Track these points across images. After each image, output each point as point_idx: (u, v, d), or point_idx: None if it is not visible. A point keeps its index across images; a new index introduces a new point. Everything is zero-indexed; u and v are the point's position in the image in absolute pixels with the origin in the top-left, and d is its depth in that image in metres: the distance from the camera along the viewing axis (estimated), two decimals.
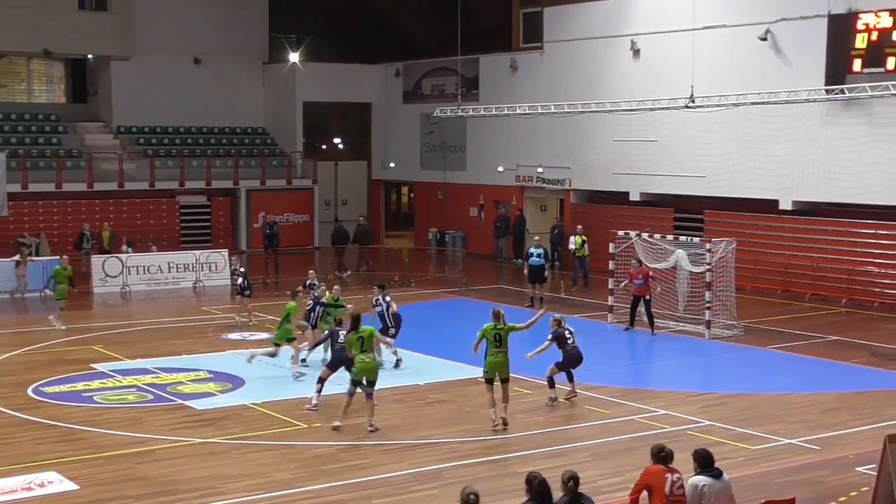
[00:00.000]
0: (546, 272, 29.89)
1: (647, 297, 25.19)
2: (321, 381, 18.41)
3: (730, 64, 31.79)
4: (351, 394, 17.20)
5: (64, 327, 26.04)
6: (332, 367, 18.42)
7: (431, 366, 21.86)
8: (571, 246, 31.94)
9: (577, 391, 19.01)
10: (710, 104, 29.17)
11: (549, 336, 18.91)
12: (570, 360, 18.88)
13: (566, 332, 18.94)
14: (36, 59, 44.04)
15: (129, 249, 34.07)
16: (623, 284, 26.07)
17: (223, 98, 44.89)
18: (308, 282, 23.94)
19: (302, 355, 21.46)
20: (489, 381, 17.38)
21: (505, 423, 17.15)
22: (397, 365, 21.60)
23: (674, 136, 33.67)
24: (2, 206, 35.98)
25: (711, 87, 29.75)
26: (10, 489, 14.26)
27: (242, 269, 27.51)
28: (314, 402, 18.30)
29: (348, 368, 17.54)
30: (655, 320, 25.65)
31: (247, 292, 26.77)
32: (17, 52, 42.98)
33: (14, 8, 40.42)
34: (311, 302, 22.67)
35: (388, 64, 45.97)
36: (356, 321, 17.30)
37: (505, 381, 17.37)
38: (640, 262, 25.61)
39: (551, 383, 18.85)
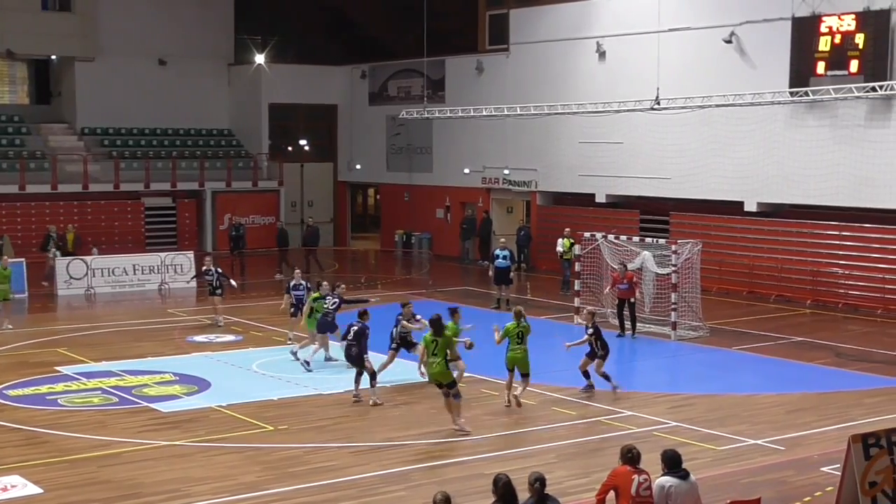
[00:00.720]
0: (511, 273, 29.89)
1: (633, 300, 25.14)
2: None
3: (695, 66, 31.98)
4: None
5: (10, 327, 25.91)
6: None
7: (398, 368, 21.78)
8: (559, 249, 31.65)
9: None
10: (675, 106, 29.33)
11: (589, 331, 19.63)
12: (605, 354, 19.64)
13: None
14: None
15: (95, 250, 33.90)
16: (607, 290, 26.11)
17: (188, 99, 44.70)
18: (293, 282, 23.85)
19: (305, 354, 21.75)
20: (510, 371, 18.64)
21: (518, 404, 18.29)
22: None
23: (639, 138, 33.82)
24: None
25: (677, 90, 29.91)
26: None
27: (219, 270, 27.17)
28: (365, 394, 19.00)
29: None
30: (626, 322, 25.78)
31: (218, 291, 26.64)
32: None
33: None
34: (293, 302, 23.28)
35: (353, 65, 45.90)
36: (435, 324, 17.76)
37: (525, 375, 18.52)
38: (624, 266, 25.52)
39: (586, 375, 19.61)
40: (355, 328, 19.06)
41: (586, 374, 19.69)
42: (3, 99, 44.87)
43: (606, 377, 19.69)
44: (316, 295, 22.35)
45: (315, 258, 37.19)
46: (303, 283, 23.79)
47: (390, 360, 20.61)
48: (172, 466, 15.37)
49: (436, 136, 41.95)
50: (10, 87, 45.59)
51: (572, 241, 30.64)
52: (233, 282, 28.24)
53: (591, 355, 19.63)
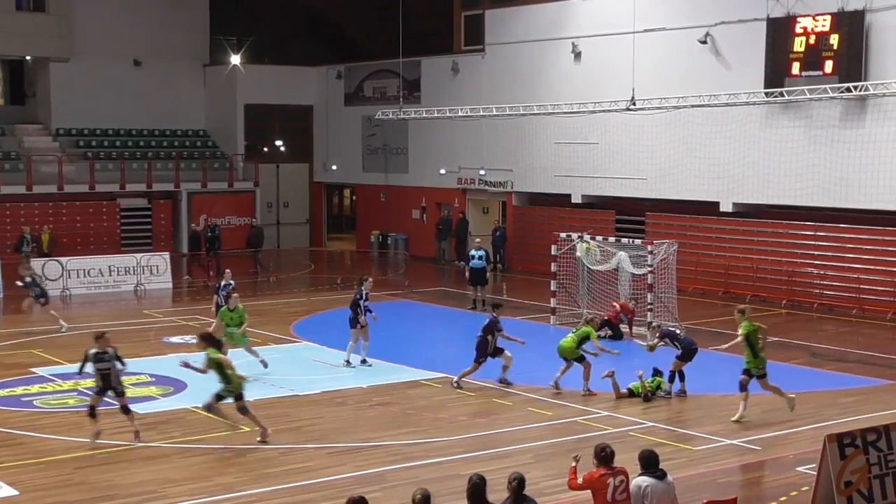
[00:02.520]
0: (487, 274, 29.90)
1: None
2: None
3: (670, 67, 32.09)
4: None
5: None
6: None
7: (374, 368, 21.80)
8: (578, 253, 30.81)
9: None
10: (650, 107, 29.44)
11: (658, 334, 19.88)
12: (690, 352, 19.57)
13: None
14: None
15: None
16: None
17: (164, 100, 44.54)
18: (223, 282, 23.76)
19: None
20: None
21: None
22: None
23: (615, 139, 33.92)
24: None
25: (652, 90, 30.00)
26: None
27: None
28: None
29: None
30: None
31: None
32: None
33: None
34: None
35: (329, 66, 45.84)
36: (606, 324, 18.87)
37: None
38: (636, 300, 25.67)
39: (681, 376, 19.60)
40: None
41: (680, 377, 19.61)
42: None
43: (681, 377, 19.63)
44: (224, 309, 21.77)
45: (258, 259, 36.75)
46: (232, 283, 23.61)
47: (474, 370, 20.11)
48: (148, 468, 15.32)
49: (411, 137, 41.94)
50: None
51: (590, 245, 30.01)
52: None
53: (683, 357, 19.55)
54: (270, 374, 21.19)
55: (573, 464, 10.94)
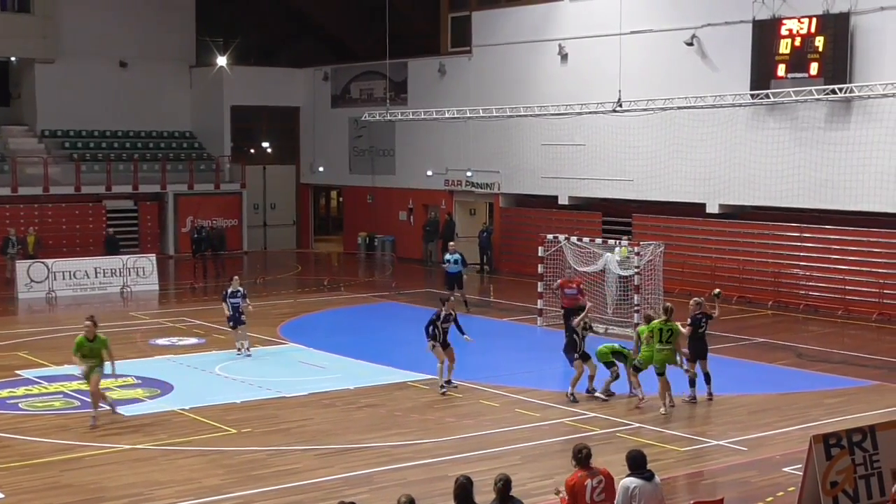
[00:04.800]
0: (464, 277, 29.46)
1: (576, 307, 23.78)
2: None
3: (656, 68, 32.16)
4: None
5: None
6: None
7: (361, 370, 21.81)
8: (616, 257, 30.32)
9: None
10: (637, 108, 29.48)
11: (689, 321, 19.17)
12: (702, 349, 19.21)
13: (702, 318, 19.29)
14: None
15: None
16: (555, 285, 24.99)
17: (150, 102, 44.45)
18: (230, 289, 23.44)
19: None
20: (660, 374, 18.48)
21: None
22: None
23: (602, 141, 33.97)
24: None
25: (638, 92, 30.05)
26: None
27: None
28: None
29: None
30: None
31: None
32: None
33: None
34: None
35: (316, 68, 45.80)
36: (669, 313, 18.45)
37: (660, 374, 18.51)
38: (575, 270, 25.19)
39: (707, 378, 19.30)
40: None
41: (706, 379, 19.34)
42: None
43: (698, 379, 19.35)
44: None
45: (211, 262, 36.34)
46: (240, 289, 23.42)
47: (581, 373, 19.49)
48: (135, 470, 15.28)
49: (398, 139, 41.94)
50: None
51: (629, 251, 29.70)
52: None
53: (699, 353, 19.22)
54: (256, 376, 21.17)
55: (558, 495, 10.85)
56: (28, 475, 15.09)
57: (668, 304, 19.66)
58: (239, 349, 23.17)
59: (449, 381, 19.93)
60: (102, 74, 43.43)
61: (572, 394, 19.18)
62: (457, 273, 28.95)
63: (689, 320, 19.24)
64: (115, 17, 43.67)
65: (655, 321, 18.62)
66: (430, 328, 19.77)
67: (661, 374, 18.37)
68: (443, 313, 19.81)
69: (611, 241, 27.25)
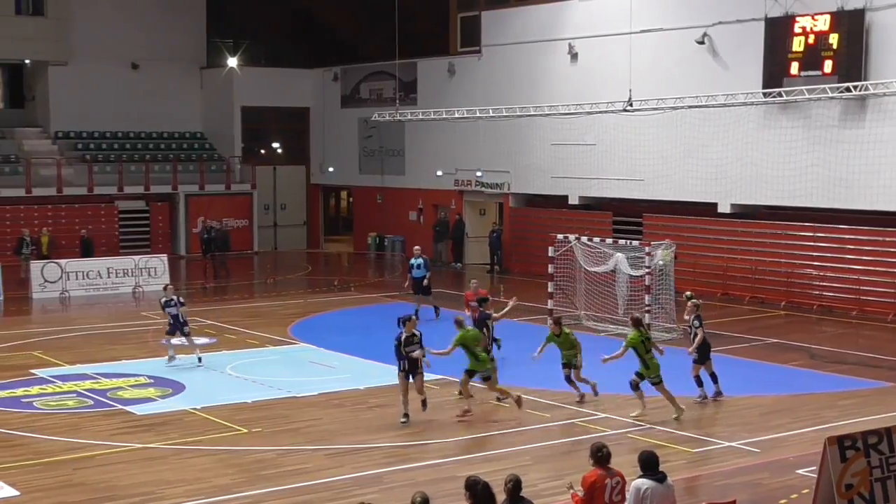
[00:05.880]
0: (426, 282, 27.97)
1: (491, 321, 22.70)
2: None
3: (667, 67, 32.06)
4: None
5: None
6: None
7: (371, 370, 21.77)
8: (659, 262, 29.38)
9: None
10: (647, 108, 29.40)
11: (696, 324, 19.21)
12: (707, 350, 19.22)
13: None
14: None
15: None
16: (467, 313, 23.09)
17: (161, 103, 44.53)
18: (164, 299, 22.78)
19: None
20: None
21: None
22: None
23: (612, 140, 33.89)
24: None
25: (649, 91, 29.96)
26: None
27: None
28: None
29: None
30: (595, 324, 25.75)
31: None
32: None
33: None
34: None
35: (326, 68, 45.83)
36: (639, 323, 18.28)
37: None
38: (479, 282, 24.25)
39: (714, 378, 19.30)
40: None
41: (699, 382, 19.25)
42: None
43: (702, 380, 19.30)
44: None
45: (218, 264, 36.18)
46: (174, 298, 22.82)
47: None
48: (146, 469, 15.30)
49: (408, 139, 41.92)
50: None
51: (672, 253, 28.65)
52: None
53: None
54: (267, 376, 21.16)
55: (570, 490, 10.80)
56: (41, 473, 15.14)
57: (637, 314, 19.56)
58: (170, 358, 22.33)
59: (406, 416, 17.72)
60: (114, 76, 43.55)
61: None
62: (421, 277, 27.78)
63: (696, 324, 19.17)
64: (126, 19, 43.80)
65: (634, 334, 18.15)
66: (396, 353, 17.71)
67: (659, 382, 18.15)
68: (403, 336, 17.54)
69: (621, 242, 27.18)
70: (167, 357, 22.48)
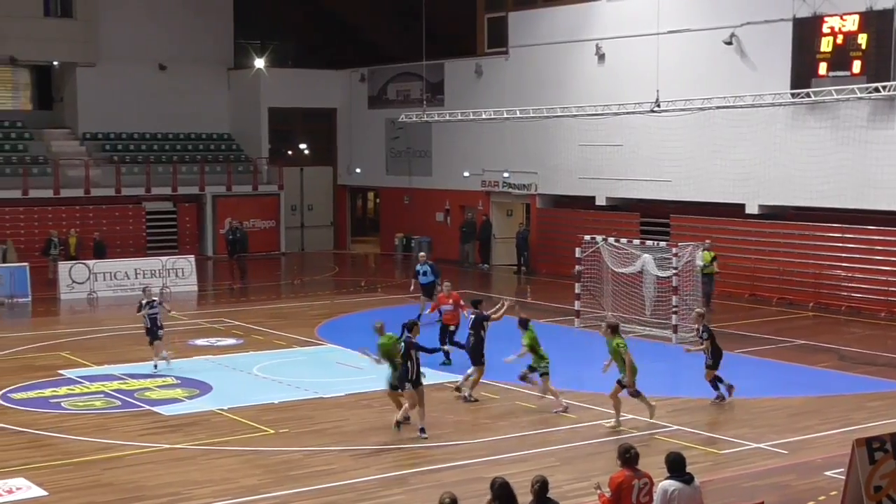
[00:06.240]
0: (438, 288, 26.97)
1: (453, 328, 22.60)
2: None
3: (695, 68, 31.92)
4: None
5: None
6: None
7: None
8: (699, 262, 28.24)
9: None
10: (675, 108, 29.29)
11: (705, 335, 19.02)
12: (719, 354, 19.07)
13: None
14: (1, 66, 43.75)
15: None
16: (427, 312, 23.30)
17: (188, 104, 44.72)
18: (144, 300, 22.40)
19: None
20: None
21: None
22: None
23: (639, 141, 33.77)
24: None
25: (677, 92, 29.84)
26: None
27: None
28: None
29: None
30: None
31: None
32: None
33: None
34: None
35: (352, 69, 45.89)
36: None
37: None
38: (451, 285, 23.82)
39: (719, 380, 19.07)
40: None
41: (715, 385, 19.10)
42: (6, 105, 44.93)
43: (717, 382, 19.10)
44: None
45: (239, 266, 36.23)
46: (155, 300, 22.54)
47: None
48: (174, 470, 15.37)
49: (435, 140, 41.93)
50: (13, 93, 45.67)
51: (714, 255, 28.78)
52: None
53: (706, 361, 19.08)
54: (293, 377, 21.21)
55: (598, 491, 10.77)
56: (70, 473, 15.23)
57: (614, 320, 19.27)
58: (156, 365, 21.91)
59: (400, 424, 17.00)
60: (142, 78, 43.77)
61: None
62: (428, 284, 27.43)
63: (704, 334, 19.06)
64: (154, 21, 44.02)
65: (619, 341, 17.64)
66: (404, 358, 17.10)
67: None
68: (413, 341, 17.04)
69: (648, 243, 27.09)
70: (154, 362, 22.01)
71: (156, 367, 21.89)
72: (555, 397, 18.56)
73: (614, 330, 17.82)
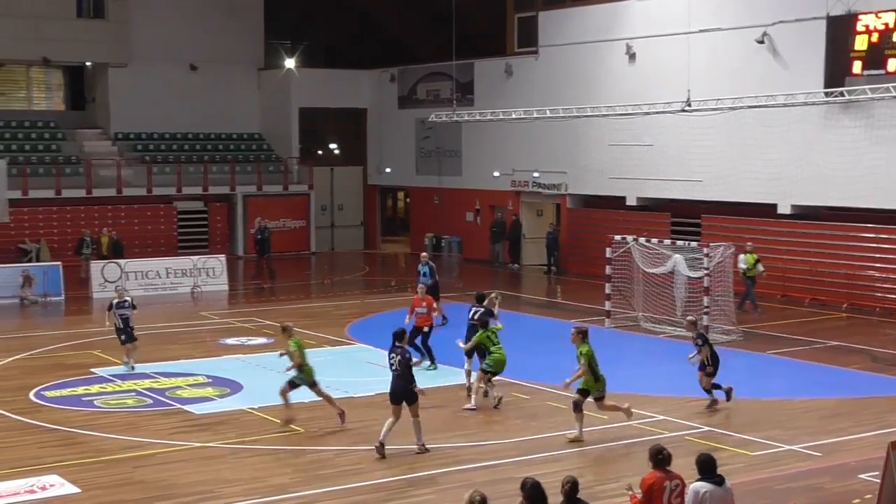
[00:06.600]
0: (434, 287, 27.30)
1: (427, 329, 22.24)
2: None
3: (726, 67, 31.72)
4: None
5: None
6: None
7: (426, 371, 21.74)
8: (742, 266, 28.13)
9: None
10: (706, 108, 29.12)
11: (699, 341, 18.72)
12: (717, 360, 18.78)
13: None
14: (35, 66, 44.12)
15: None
16: (407, 319, 22.31)
17: (219, 104, 44.90)
18: (116, 300, 22.32)
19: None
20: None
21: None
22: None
23: (670, 141, 33.59)
24: (3, 212, 35.93)
25: (708, 91, 29.67)
26: (12, 492, 14.36)
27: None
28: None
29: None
30: (654, 325, 25.60)
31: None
32: (16, 60, 43.23)
33: (13, 17, 40.68)
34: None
35: (382, 69, 45.94)
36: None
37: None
38: (425, 287, 23.65)
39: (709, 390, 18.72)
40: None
41: (709, 389, 18.79)
42: (40, 105, 45.32)
43: (715, 388, 18.73)
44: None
45: (268, 266, 36.25)
46: (128, 300, 22.50)
47: None
48: (204, 468, 15.43)
49: (465, 140, 41.90)
50: (47, 94, 46.04)
51: (757, 257, 28.60)
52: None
53: (703, 367, 18.68)
54: (323, 376, 21.20)
55: (629, 492, 10.70)
56: (102, 471, 15.34)
57: (583, 328, 18.14)
58: (126, 363, 21.97)
59: (422, 447, 16.16)
60: (173, 78, 43.99)
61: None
62: (426, 285, 26.60)
63: (700, 341, 18.76)
64: (185, 21, 44.22)
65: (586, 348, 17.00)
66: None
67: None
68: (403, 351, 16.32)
69: (679, 243, 26.96)
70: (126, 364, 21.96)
71: (133, 368, 21.88)
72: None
73: (584, 336, 17.08)
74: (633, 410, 17.47)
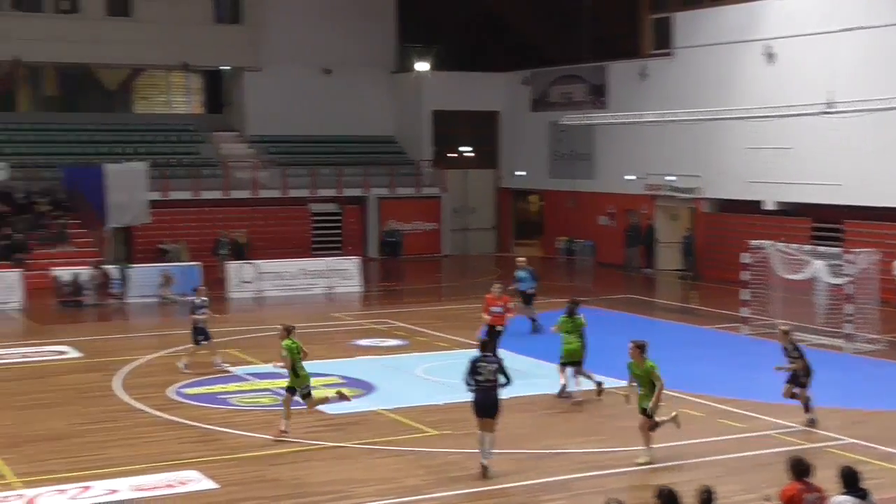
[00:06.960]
0: (532, 292, 27.35)
1: (500, 329, 22.19)
2: None
3: (871, 66, 30.73)
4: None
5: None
6: None
7: (560, 375, 21.53)
8: None
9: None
10: (850, 109, 28.22)
11: (796, 354, 17.86)
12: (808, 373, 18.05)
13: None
14: (175, 71, 45.26)
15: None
16: (483, 316, 22.41)
17: (352, 107, 45.37)
18: (198, 301, 22.75)
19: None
20: None
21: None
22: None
23: (810, 143, 32.72)
24: (144, 213, 36.91)
25: (850, 91, 28.81)
26: (152, 486, 14.73)
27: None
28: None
29: None
30: (793, 333, 24.95)
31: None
32: (157, 65, 44.40)
33: (154, 23, 41.87)
34: None
35: (515, 72, 45.85)
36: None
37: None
38: (503, 287, 23.24)
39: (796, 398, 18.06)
40: None
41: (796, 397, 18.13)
42: (179, 108, 46.55)
43: (794, 398, 18.06)
44: None
45: (397, 269, 36.22)
46: (205, 298, 22.70)
47: None
48: (337, 467, 15.57)
49: (598, 142, 41.55)
50: (186, 98, 47.29)
51: None
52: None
53: (793, 379, 17.90)
54: (458, 378, 21.19)
55: (767, 503, 10.42)
56: (237, 468, 15.60)
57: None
58: (217, 364, 22.36)
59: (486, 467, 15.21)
60: (307, 81, 44.64)
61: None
62: (525, 290, 27.05)
63: (795, 354, 17.91)
64: (319, 25, 44.80)
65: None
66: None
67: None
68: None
69: (821, 249, 26.23)
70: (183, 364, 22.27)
71: (218, 366, 22.25)
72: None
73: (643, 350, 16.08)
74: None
